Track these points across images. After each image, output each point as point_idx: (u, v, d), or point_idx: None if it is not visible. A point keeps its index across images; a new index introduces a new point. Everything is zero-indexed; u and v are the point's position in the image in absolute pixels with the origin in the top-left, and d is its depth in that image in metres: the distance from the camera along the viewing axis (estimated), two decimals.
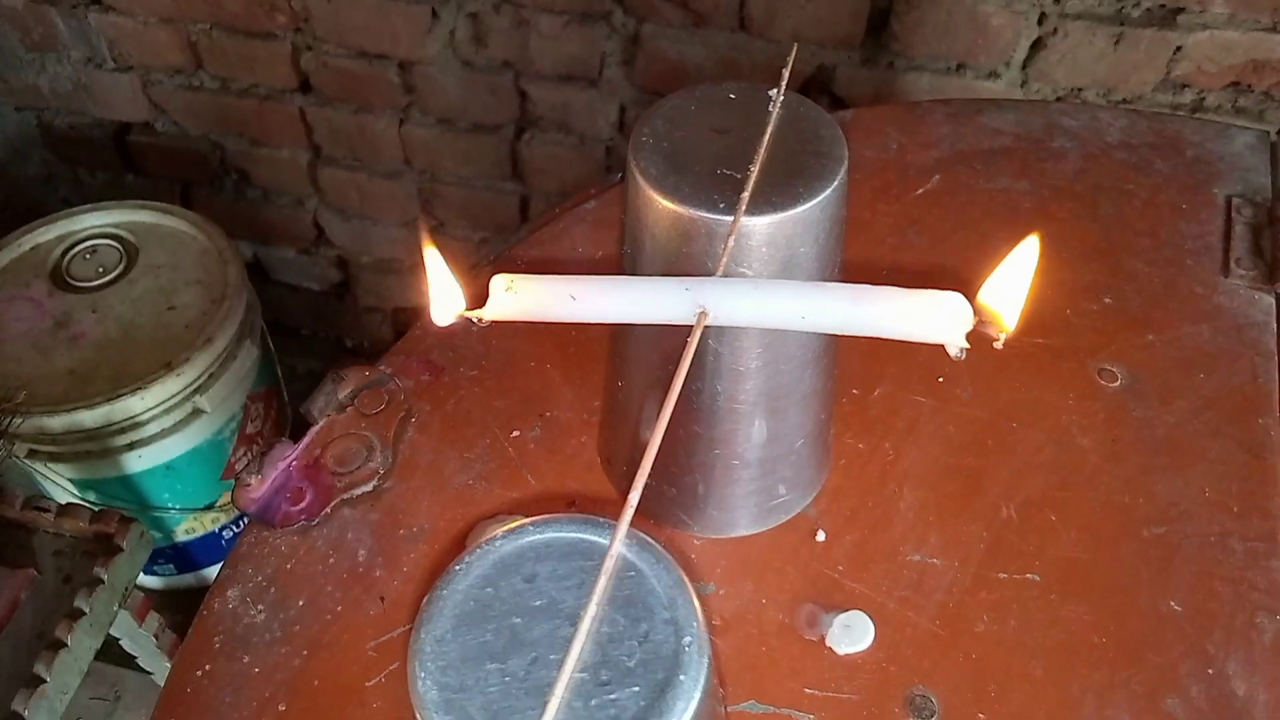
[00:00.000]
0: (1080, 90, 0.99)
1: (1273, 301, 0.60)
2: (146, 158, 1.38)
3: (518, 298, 0.34)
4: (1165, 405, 0.55)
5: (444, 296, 0.35)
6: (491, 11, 1.09)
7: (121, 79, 1.29)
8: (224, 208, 1.40)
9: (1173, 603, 0.48)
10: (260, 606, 0.47)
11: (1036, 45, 0.97)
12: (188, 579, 1.20)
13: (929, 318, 0.32)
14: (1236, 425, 0.54)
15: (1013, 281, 0.32)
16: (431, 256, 0.35)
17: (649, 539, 0.30)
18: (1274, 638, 0.46)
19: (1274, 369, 0.57)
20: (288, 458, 0.51)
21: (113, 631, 0.84)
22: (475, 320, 0.34)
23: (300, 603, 0.47)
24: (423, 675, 0.27)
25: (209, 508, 1.13)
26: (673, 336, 0.42)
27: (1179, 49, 0.94)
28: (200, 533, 1.15)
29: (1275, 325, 0.59)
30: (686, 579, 0.29)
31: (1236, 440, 0.54)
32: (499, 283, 0.34)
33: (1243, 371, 0.57)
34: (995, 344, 0.32)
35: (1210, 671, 0.45)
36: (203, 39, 1.21)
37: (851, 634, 0.46)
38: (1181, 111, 0.99)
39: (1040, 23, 0.95)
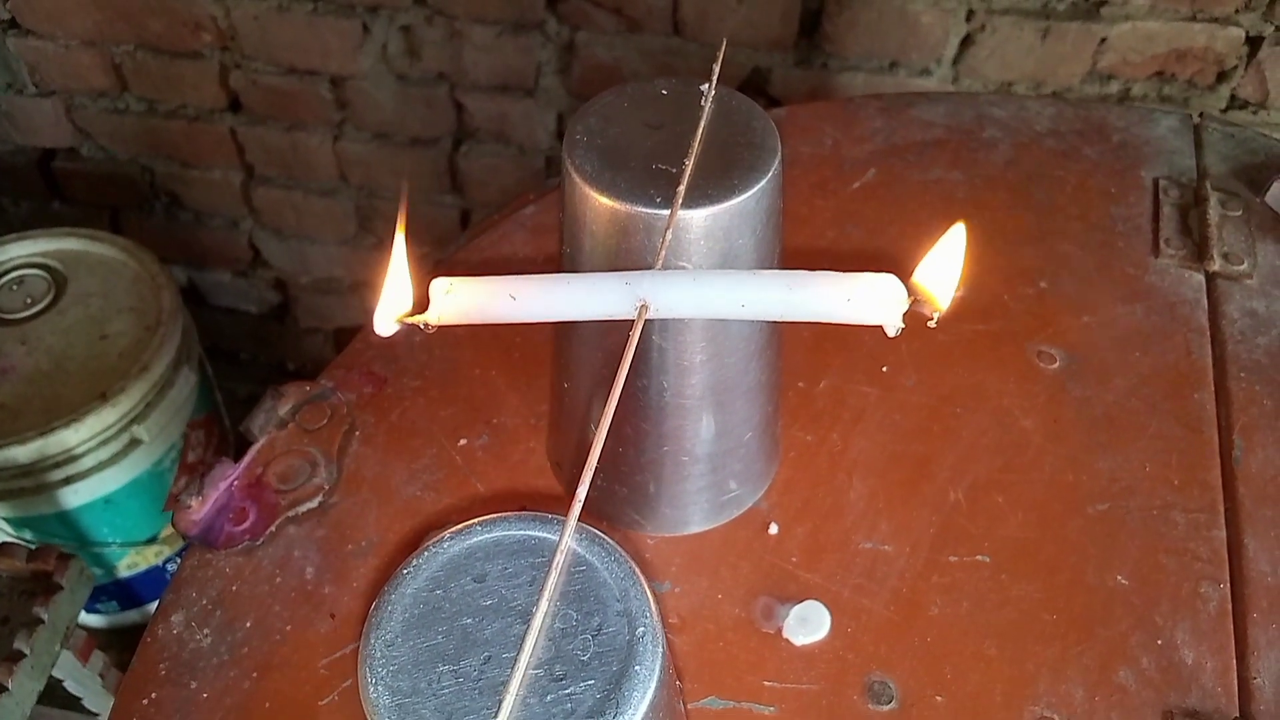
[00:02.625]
0: (1011, 84, 1.01)
1: (1203, 279, 0.62)
2: (73, 184, 1.35)
3: (457, 300, 0.33)
4: (1103, 384, 0.56)
5: (393, 302, 0.34)
6: (424, 24, 1.08)
7: (44, 104, 1.25)
8: (155, 232, 1.37)
9: (1120, 577, 0.48)
10: (206, 630, 0.45)
11: (966, 42, 0.99)
12: (132, 616, 1.17)
13: (865, 300, 0.32)
14: (1173, 401, 0.55)
15: (944, 263, 0.33)
16: (399, 255, 0.34)
17: (598, 533, 0.30)
18: (1219, 606, 0.47)
19: (1207, 345, 0.58)
20: (229, 477, 0.49)
21: (56, 673, 0.81)
22: (422, 325, 0.34)
23: (248, 624, 0.46)
24: (373, 681, 0.26)
25: (151, 541, 1.10)
26: (616, 334, 0.42)
27: (1104, 41, 0.96)
28: (143, 567, 1.12)
29: (1206, 302, 0.60)
30: (638, 570, 0.29)
31: (1174, 415, 0.55)
32: (439, 286, 0.33)
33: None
34: (930, 323, 0.32)
35: (1159, 642, 0.46)
36: (127, 61, 1.18)
37: (808, 624, 0.46)
38: (1109, 102, 1.01)
39: (969, 19, 0.97)
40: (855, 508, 0.51)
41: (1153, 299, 0.60)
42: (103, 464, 0.99)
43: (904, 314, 0.32)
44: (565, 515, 0.29)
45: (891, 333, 0.32)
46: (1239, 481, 0.52)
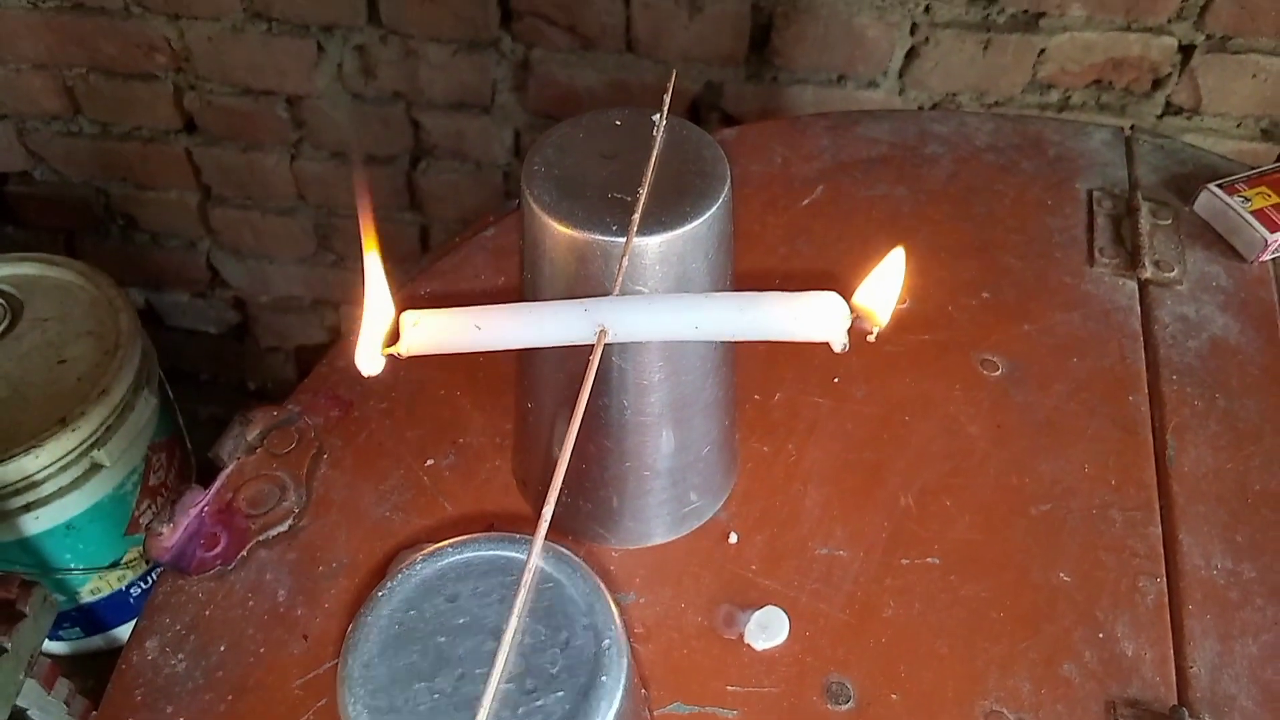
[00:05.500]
0: (955, 95, 1.04)
1: (1135, 287, 0.65)
2: (26, 208, 1.34)
3: (424, 332, 0.35)
4: (1044, 390, 0.59)
5: (373, 339, 0.35)
6: (378, 43, 1.09)
7: None
8: (112, 255, 1.36)
9: (1062, 574, 0.51)
10: (181, 655, 0.46)
11: (911, 54, 1.02)
12: (96, 641, 1.16)
13: (810, 317, 0.34)
14: (1109, 404, 0.58)
15: (885, 282, 0.35)
16: (375, 288, 0.35)
17: (565, 550, 0.31)
18: (1156, 599, 0.50)
19: (1140, 350, 0.61)
20: (199, 503, 0.50)
21: (20, 702, 0.81)
22: (397, 355, 0.35)
23: (222, 648, 0.47)
24: (352, 700, 0.28)
25: (114, 566, 1.09)
26: (577, 356, 0.44)
27: (1043, 51, 0.99)
28: (106, 592, 1.11)
29: (1139, 308, 0.63)
30: (603, 586, 0.30)
31: (1110, 418, 0.57)
32: (407, 319, 0.35)
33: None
34: (869, 338, 0.34)
35: (1101, 636, 0.48)
36: (79, 83, 1.18)
37: (768, 630, 0.48)
38: (1049, 110, 1.05)
39: (912, 32, 1.00)
40: (811, 515, 0.53)
41: (1089, 307, 0.63)
42: (64, 489, 0.98)
43: (848, 330, 0.34)
44: (532, 534, 0.30)
45: (838, 348, 0.34)
46: (1173, 480, 0.54)
